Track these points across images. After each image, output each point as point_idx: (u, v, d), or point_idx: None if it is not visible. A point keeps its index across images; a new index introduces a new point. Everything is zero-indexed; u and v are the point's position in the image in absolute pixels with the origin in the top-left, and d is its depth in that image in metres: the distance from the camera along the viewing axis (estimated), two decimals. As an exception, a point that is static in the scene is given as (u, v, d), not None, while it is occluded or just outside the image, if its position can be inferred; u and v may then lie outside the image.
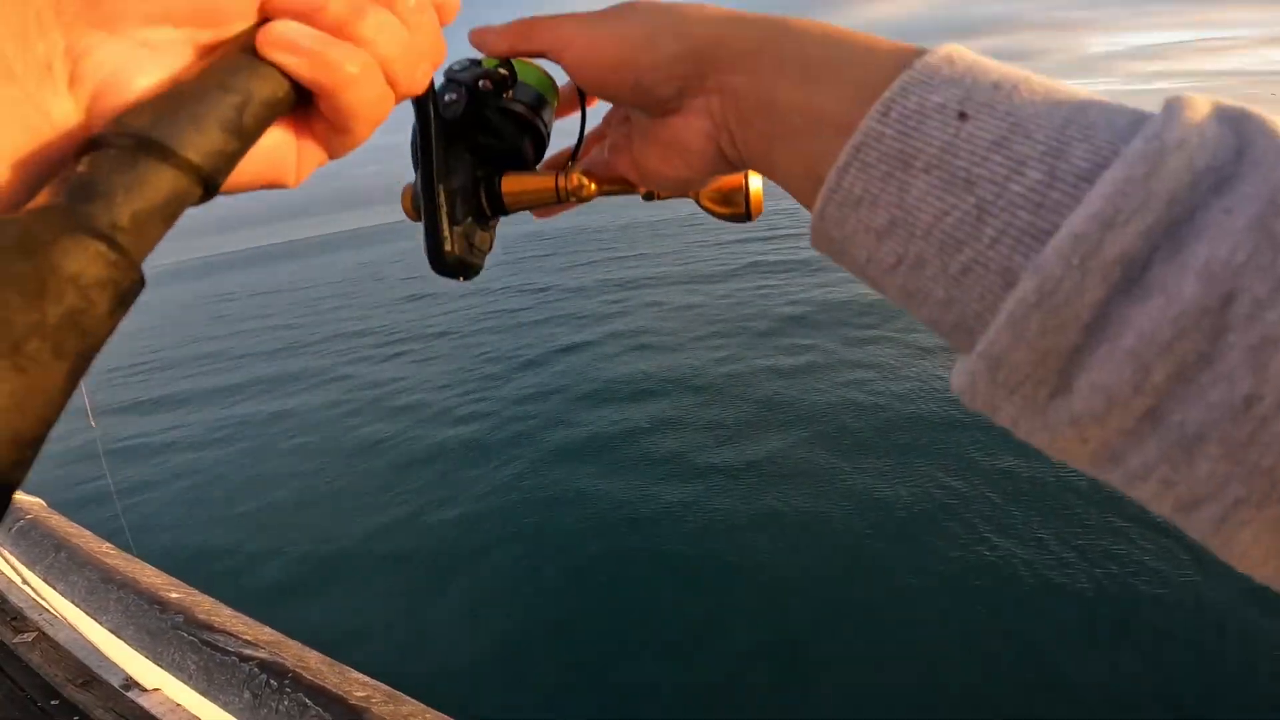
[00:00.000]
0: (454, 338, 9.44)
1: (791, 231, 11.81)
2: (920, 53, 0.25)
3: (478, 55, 0.38)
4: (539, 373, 6.79)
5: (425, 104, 0.34)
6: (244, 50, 0.22)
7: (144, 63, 0.22)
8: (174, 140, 0.20)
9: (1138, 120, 0.20)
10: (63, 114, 0.21)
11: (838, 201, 0.25)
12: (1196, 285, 0.17)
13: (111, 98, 0.21)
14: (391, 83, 0.26)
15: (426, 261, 0.37)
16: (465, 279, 0.38)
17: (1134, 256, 0.18)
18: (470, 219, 0.37)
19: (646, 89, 0.32)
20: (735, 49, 0.29)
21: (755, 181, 0.39)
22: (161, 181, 0.19)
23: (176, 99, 0.21)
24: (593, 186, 0.38)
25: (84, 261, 0.16)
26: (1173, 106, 0.19)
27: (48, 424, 0.16)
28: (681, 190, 0.38)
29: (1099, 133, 0.20)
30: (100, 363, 0.18)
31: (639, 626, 3.05)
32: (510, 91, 0.38)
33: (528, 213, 0.41)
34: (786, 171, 0.29)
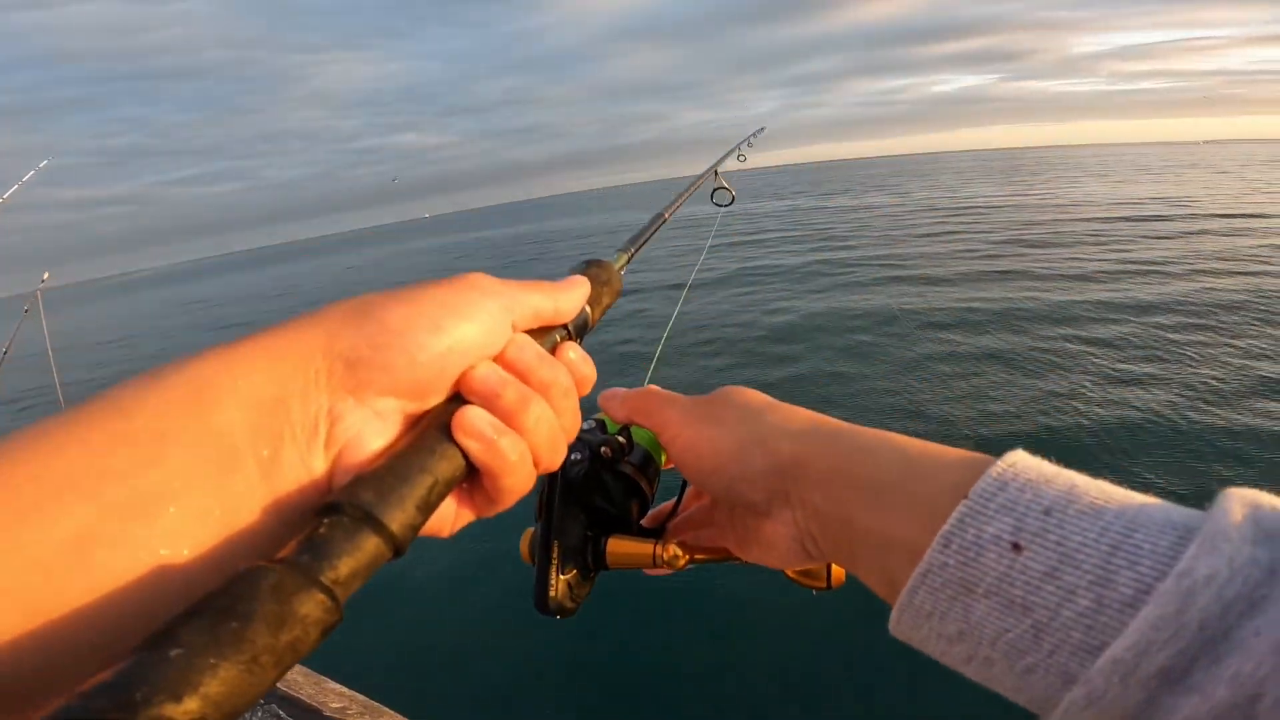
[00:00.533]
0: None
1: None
2: (981, 467, 0.28)
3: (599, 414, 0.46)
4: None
5: (555, 471, 0.38)
6: (440, 430, 0.30)
7: (375, 428, 0.29)
8: (386, 516, 0.26)
9: (1181, 540, 0.22)
10: (319, 468, 0.28)
11: (911, 614, 0.28)
12: (1227, 690, 0.20)
13: (350, 456, 0.28)
14: (537, 464, 0.33)
15: (533, 603, 0.42)
16: (561, 618, 0.43)
17: (1172, 669, 0.21)
18: (575, 571, 0.43)
19: (738, 495, 0.37)
20: (815, 469, 0.34)
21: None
22: (371, 548, 0.25)
23: (392, 479, 0.27)
24: (685, 559, 0.43)
25: (311, 607, 0.22)
26: (1211, 527, 0.22)
27: (248, 706, 0.21)
28: (771, 565, 0.41)
29: (1143, 558, 0.23)
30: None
31: (638, 653, 2.96)
32: (626, 456, 0.45)
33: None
34: (865, 576, 0.33)
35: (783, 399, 0.41)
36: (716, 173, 1.38)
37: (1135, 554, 0.23)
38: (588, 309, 0.41)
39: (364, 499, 0.25)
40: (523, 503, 0.35)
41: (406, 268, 25.69)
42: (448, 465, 0.29)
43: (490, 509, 0.33)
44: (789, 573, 0.43)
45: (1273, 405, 4.32)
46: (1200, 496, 0.24)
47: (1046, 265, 9.50)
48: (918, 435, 0.33)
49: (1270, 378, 4.75)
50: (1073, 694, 0.23)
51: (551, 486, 0.43)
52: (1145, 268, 8.79)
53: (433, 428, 0.30)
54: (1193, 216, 13.33)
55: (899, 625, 0.29)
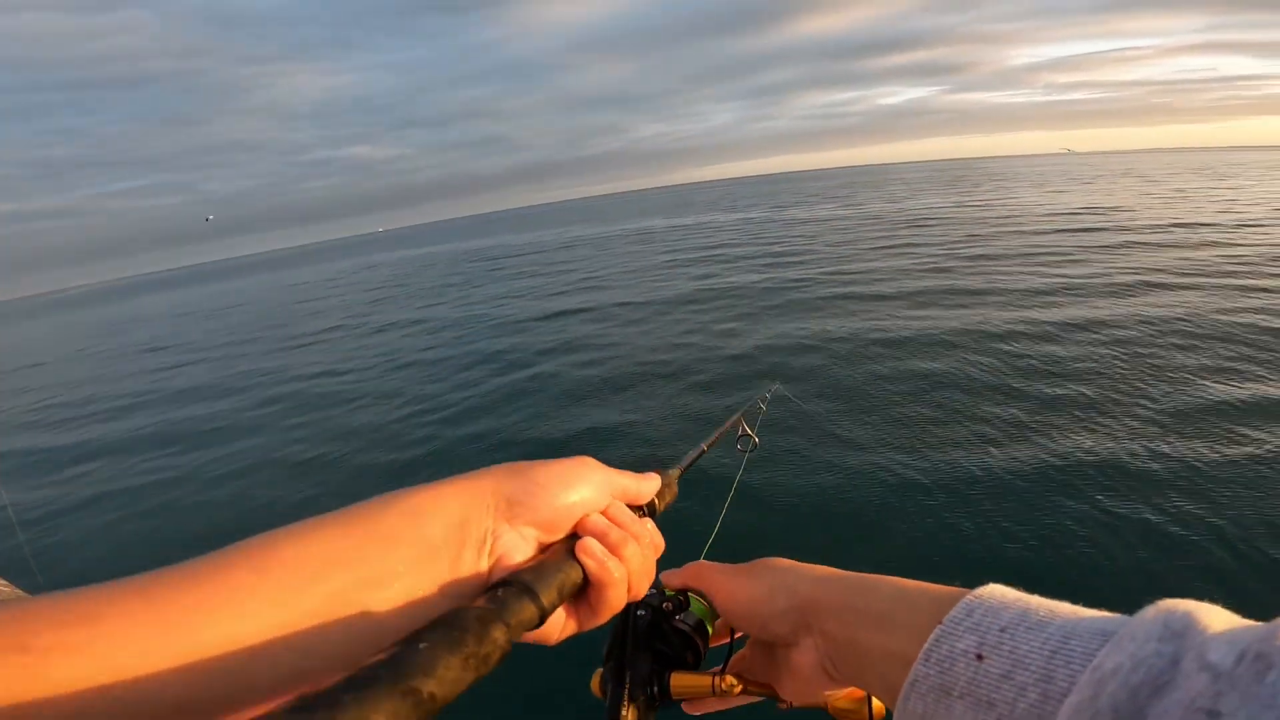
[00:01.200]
0: (378, 372, 8.96)
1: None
2: (955, 599, 0.36)
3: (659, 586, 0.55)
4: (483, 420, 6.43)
5: (627, 615, 0.52)
6: (568, 552, 0.44)
7: (519, 547, 0.43)
8: (539, 589, 0.39)
9: (1104, 643, 0.28)
10: (484, 566, 0.41)
11: (908, 715, 0.35)
12: None
13: (503, 562, 0.41)
14: (630, 588, 0.46)
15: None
16: None
17: None
18: (643, 701, 0.51)
19: (769, 630, 0.48)
20: (827, 604, 0.44)
21: (878, 701, 0.49)
22: (530, 609, 0.38)
23: (541, 571, 0.41)
24: (739, 688, 0.50)
25: (499, 633, 0.34)
26: (1124, 630, 0.28)
27: (458, 694, 0.31)
28: (813, 703, 0.49)
29: (1074, 659, 0.29)
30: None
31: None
32: (681, 616, 0.55)
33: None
34: (871, 687, 0.43)
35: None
36: (744, 417, 1.28)
37: (1069, 656, 0.29)
38: (656, 500, 0.55)
39: (525, 578, 0.39)
40: (587, 649, 0.51)
41: (356, 285, 24.79)
42: (572, 573, 0.42)
43: (591, 620, 0.46)
44: (831, 709, 0.50)
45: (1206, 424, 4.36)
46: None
47: (989, 280, 9.67)
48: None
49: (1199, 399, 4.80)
50: None
51: (624, 628, 0.53)
52: (1078, 282, 8.98)
53: (563, 549, 0.44)
54: (1123, 229, 13.77)
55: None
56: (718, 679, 0.50)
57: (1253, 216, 14.85)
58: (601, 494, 0.47)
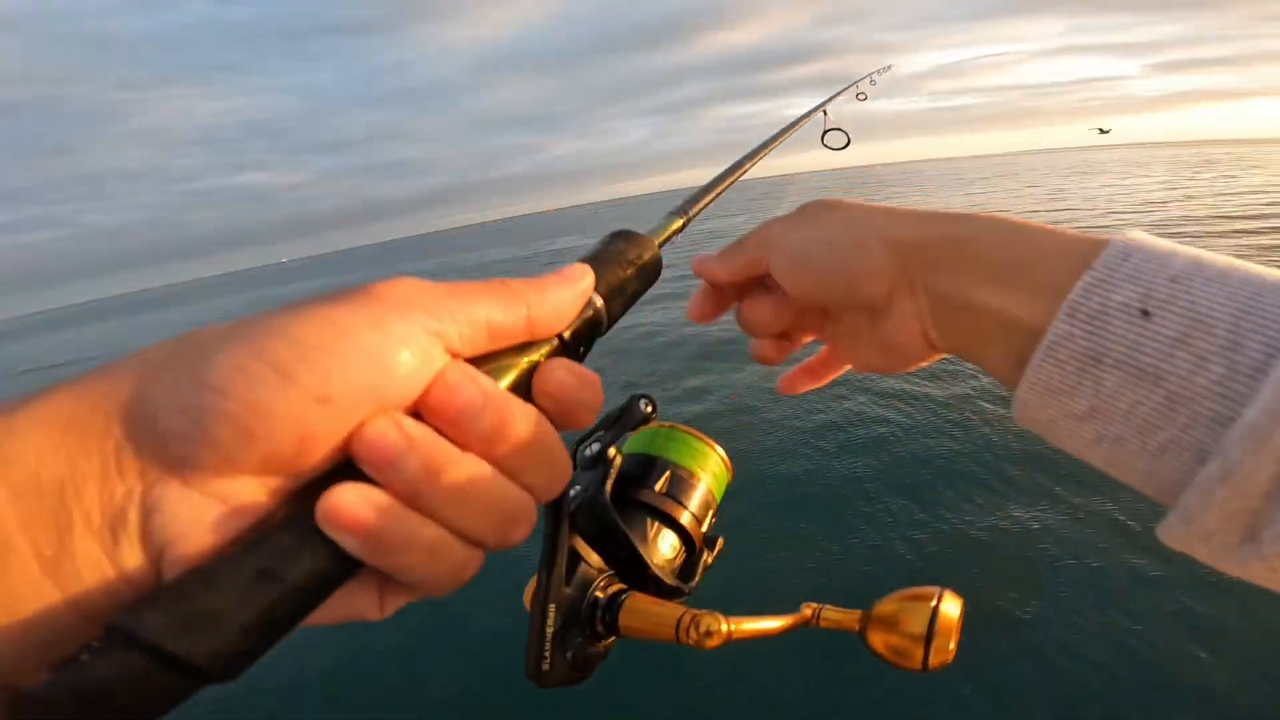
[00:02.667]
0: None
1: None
2: (1100, 244, 0.28)
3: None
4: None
5: (557, 508, 0.33)
6: (299, 519, 0.21)
7: (216, 513, 0.21)
8: (183, 646, 0.19)
9: None
10: (133, 563, 0.20)
11: (1037, 391, 0.28)
12: None
13: (180, 550, 0.20)
14: (481, 545, 0.25)
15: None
16: (563, 687, 0.36)
17: None
18: (581, 639, 0.36)
19: (859, 292, 0.35)
20: (935, 254, 0.33)
21: (950, 607, 0.35)
22: (155, 685, 0.19)
23: (208, 592, 0.19)
24: (719, 638, 0.35)
25: None
26: None
27: None
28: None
29: (1270, 324, 0.23)
30: None
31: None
32: (647, 482, 0.37)
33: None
34: (989, 362, 0.32)
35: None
36: (826, 112, 1.20)
37: (1263, 319, 0.23)
38: (598, 303, 0.31)
39: (149, 623, 0.19)
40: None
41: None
42: (310, 564, 0.21)
43: (423, 594, 0.25)
44: (881, 649, 0.36)
45: None
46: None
47: None
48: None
49: None
50: (1207, 470, 0.23)
51: (555, 523, 0.34)
52: None
53: (289, 517, 0.21)
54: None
55: (1025, 407, 0.29)
56: (688, 621, 0.35)
57: (1129, 207, 16.15)
58: (405, 367, 0.22)
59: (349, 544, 0.21)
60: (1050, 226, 0.31)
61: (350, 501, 0.21)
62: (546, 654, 0.34)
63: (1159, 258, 0.26)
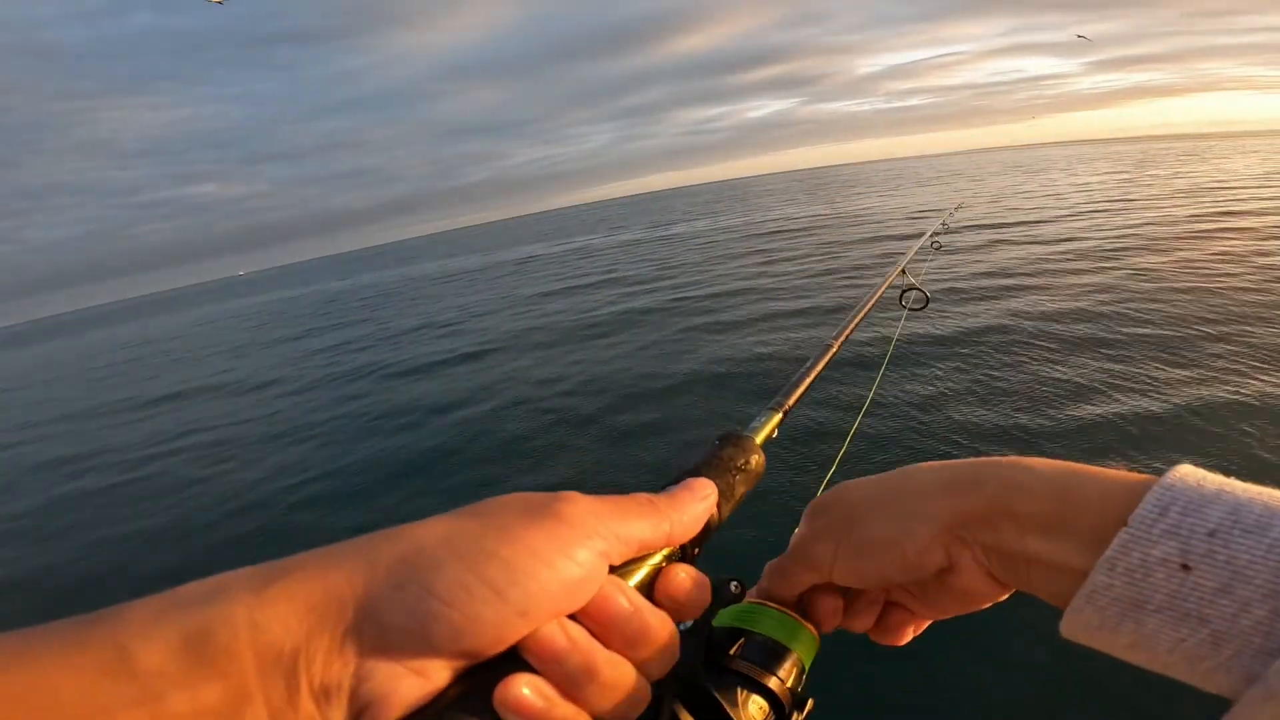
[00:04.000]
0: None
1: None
2: (1140, 490, 0.29)
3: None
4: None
5: (662, 682, 0.34)
6: (481, 697, 0.26)
7: (412, 685, 0.25)
8: None
9: None
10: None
11: (1081, 625, 0.31)
12: None
13: (376, 715, 0.25)
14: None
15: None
16: None
17: None
18: None
19: (923, 569, 0.37)
20: (974, 515, 0.35)
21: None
22: None
23: None
24: None
25: None
26: None
27: None
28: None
29: None
30: None
31: None
32: (737, 651, 0.40)
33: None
34: (1044, 594, 0.34)
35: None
36: (905, 271, 1.23)
37: None
38: (714, 511, 0.36)
39: None
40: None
41: (208, 334, 22.30)
42: None
43: None
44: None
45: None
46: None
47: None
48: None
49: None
50: (1253, 690, 0.25)
51: (655, 692, 0.33)
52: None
53: (474, 693, 0.26)
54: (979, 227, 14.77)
55: (1071, 631, 0.31)
56: None
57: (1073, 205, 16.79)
58: (582, 582, 0.28)
59: None
60: (1090, 469, 0.33)
61: (525, 694, 0.26)
62: None
63: (1197, 509, 0.28)
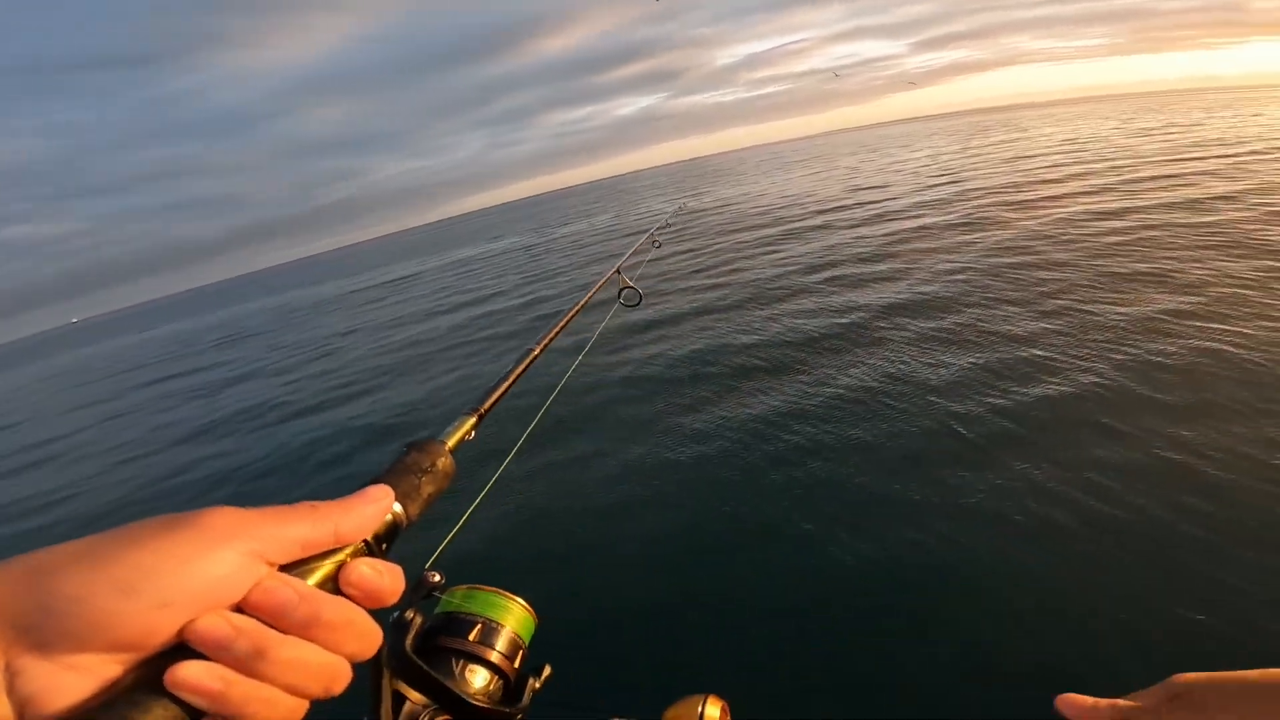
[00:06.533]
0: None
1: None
2: None
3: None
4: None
5: (375, 664, 0.42)
6: (149, 685, 0.28)
7: (70, 681, 0.27)
8: None
9: None
10: (3, 715, 0.26)
11: None
12: None
13: (36, 712, 0.27)
14: (307, 697, 0.32)
15: None
16: None
17: None
18: None
19: None
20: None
21: (711, 709, 0.52)
22: None
23: None
24: None
25: None
26: None
27: None
28: None
29: None
30: None
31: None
32: (452, 632, 0.47)
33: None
34: None
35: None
36: (620, 271, 1.43)
37: None
38: (397, 509, 0.40)
39: None
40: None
41: (20, 393, 19.18)
42: (162, 715, 0.28)
43: None
44: None
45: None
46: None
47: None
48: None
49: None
50: None
51: (375, 676, 0.42)
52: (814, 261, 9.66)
53: (141, 684, 0.28)
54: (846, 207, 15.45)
55: None
56: None
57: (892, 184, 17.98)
58: (226, 578, 0.30)
59: (198, 703, 0.28)
60: None
61: (194, 673, 0.28)
62: None
63: None
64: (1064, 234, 8.50)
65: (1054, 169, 15.62)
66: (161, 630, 0.28)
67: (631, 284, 1.43)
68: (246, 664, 0.29)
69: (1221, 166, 12.25)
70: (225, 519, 0.31)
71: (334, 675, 0.32)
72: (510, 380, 0.59)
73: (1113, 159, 16.01)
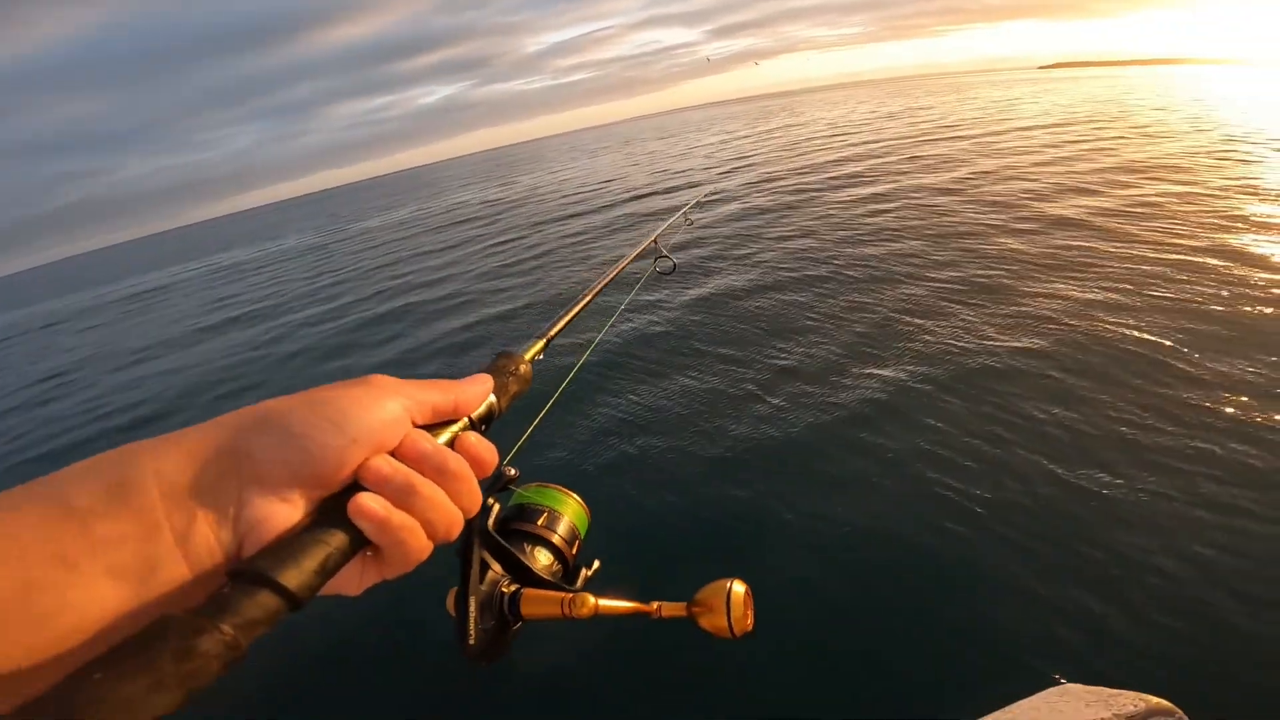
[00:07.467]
0: None
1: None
2: None
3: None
4: None
5: (469, 531, 0.50)
6: (339, 513, 0.36)
7: (281, 510, 0.35)
8: (282, 577, 0.32)
9: None
10: (228, 540, 0.34)
11: None
12: None
13: (258, 532, 0.34)
14: (432, 537, 0.39)
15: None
16: (486, 665, 0.50)
17: None
18: (494, 624, 0.50)
19: None
20: None
21: (738, 589, 0.53)
22: (268, 602, 0.31)
23: (290, 549, 0.33)
24: (591, 607, 0.51)
25: (211, 644, 0.28)
26: None
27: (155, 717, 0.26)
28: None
29: None
30: None
31: None
32: (533, 522, 0.57)
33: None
34: None
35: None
36: (656, 241, 1.54)
37: None
38: (494, 399, 0.49)
39: (260, 565, 0.32)
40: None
41: None
42: (342, 539, 0.35)
43: (392, 573, 0.40)
44: (696, 618, 0.53)
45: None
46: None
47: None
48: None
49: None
50: None
51: (466, 545, 0.51)
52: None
53: (332, 510, 0.36)
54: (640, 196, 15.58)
55: None
56: (568, 600, 0.51)
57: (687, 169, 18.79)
58: (391, 425, 0.39)
59: (366, 527, 0.36)
60: None
61: (370, 500, 0.36)
62: (471, 632, 0.48)
63: None
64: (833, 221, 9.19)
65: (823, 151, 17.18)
66: (349, 464, 0.36)
67: (667, 253, 1.54)
68: (400, 498, 0.37)
69: (958, 150, 14.20)
70: (388, 380, 0.40)
71: (452, 521, 0.40)
72: (572, 314, 0.73)
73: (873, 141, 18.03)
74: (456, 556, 0.50)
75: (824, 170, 13.33)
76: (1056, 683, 1.26)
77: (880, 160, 13.74)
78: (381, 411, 0.38)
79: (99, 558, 0.30)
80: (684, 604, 0.53)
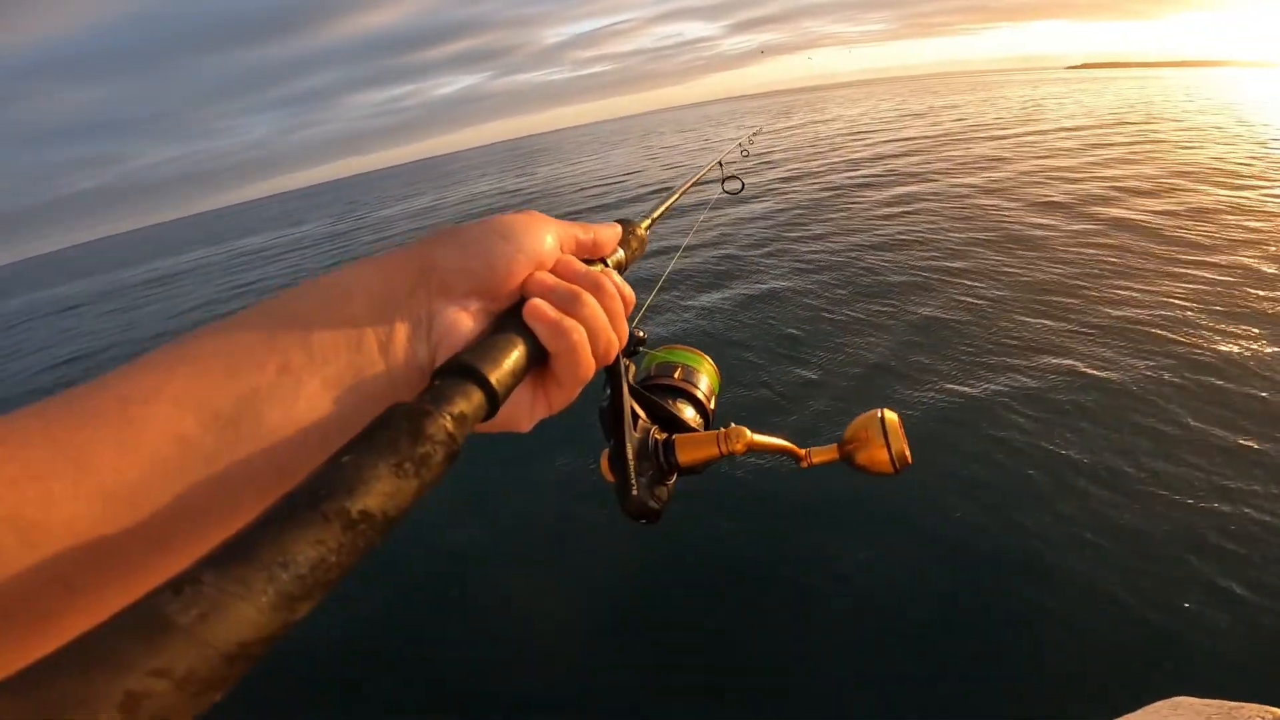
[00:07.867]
0: None
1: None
2: None
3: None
4: None
5: (616, 372, 0.52)
6: (516, 320, 0.38)
7: (464, 321, 0.37)
8: (486, 371, 0.33)
9: None
10: (423, 350, 0.36)
11: None
12: None
13: (448, 340, 0.36)
14: (594, 352, 0.40)
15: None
16: (650, 523, 0.50)
17: None
18: (652, 474, 0.51)
19: None
20: None
21: (890, 416, 0.54)
22: (476, 396, 0.32)
23: (485, 349, 0.35)
24: (743, 444, 0.53)
25: (437, 429, 0.28)
26: None
27: (401, 505, 0.26)
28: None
29: None
30: None
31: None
32: (670, 375, 0.61)
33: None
34: None
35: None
36: (721, 164, 1.70)
37: None
38: (621, 251, 0.52)
39: (467, 360, 0.33)
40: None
41: None
42: (522, 344, 0.37)
43: (560, 395, 0.41)
44: (863, 464, 0.53)
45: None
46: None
47: None
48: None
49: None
50: None
51: (616, 394, 0.51)
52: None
53: (507, 321, 0.38)
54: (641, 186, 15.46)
55: None
56: (723, 436, 0.52)
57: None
58: (547, 247, 0.42)
59: (541, 330, 0.38)
60: None
61: (542, 303, 0.38)
62: (633, 480, 0.49)
63: None
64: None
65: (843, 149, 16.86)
66: (518, 274, 0.39)
67: (734, 174, 1.65)
68: (567, 306, 0.39)
69: (990, 151, 13.84)
70: (539, 214, 0.43)
71: (609, 340, 0.41)
72: (668, 204, 0.75)
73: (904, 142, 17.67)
74: (601, 420, 0.52)
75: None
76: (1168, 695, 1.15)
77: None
78: (542, 232, 0.41)
79: (317, 369, 0.32)
80: (834, 445, 0.53)
